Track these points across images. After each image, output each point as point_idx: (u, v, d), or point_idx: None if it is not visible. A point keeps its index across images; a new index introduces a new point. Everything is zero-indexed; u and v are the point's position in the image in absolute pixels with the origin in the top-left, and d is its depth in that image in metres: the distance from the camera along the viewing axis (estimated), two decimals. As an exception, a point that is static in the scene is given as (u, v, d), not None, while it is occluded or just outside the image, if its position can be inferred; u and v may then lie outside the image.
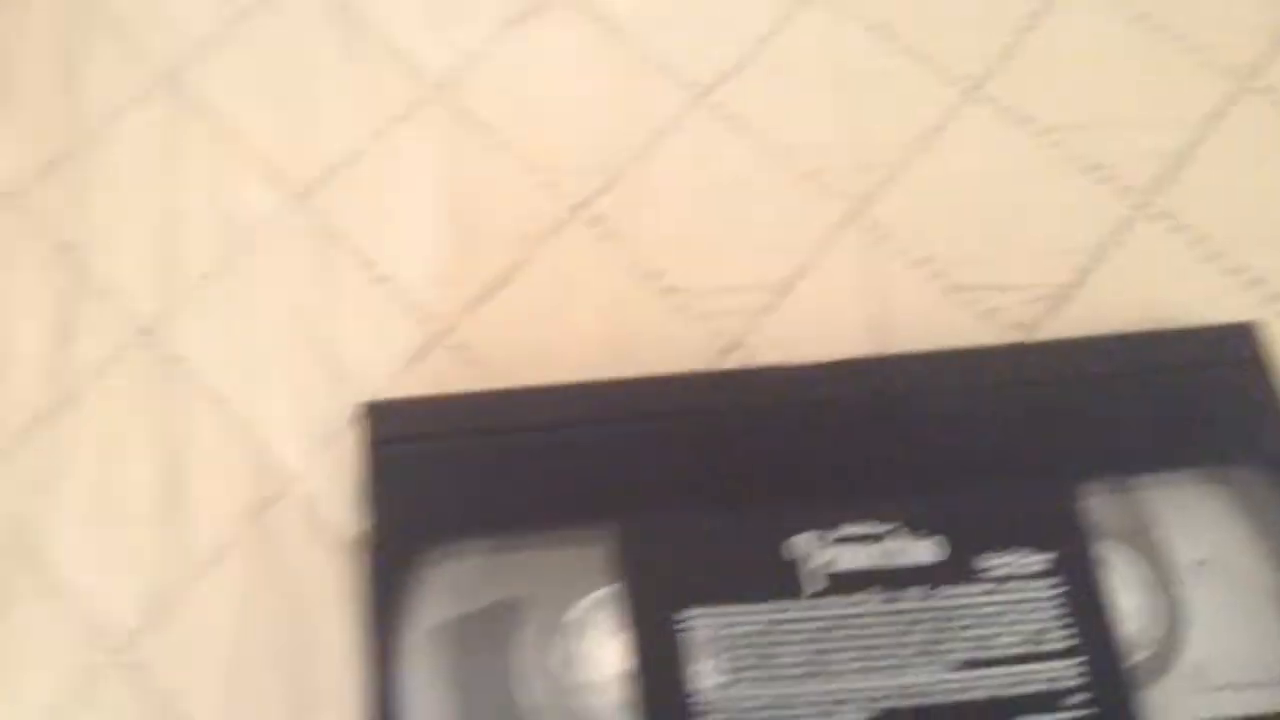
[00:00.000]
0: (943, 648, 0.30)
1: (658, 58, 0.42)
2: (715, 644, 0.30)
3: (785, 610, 0.30)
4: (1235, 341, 0.34)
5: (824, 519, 0.31)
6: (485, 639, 0.31)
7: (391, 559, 0.31)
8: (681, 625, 0.30)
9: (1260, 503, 0.32)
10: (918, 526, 0.31)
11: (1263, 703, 0.30)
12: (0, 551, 0.36)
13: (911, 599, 0.31)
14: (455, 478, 0.32)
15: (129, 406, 0.38)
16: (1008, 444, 0.32)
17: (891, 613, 0.30)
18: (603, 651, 0.31)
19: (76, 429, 0.38)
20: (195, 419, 0.37)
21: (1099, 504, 0.32)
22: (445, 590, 0.31)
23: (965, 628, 0.30)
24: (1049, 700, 0.30)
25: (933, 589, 0.31)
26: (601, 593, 0.31)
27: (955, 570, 0.31)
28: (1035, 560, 0.31)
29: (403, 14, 0.43)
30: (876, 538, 0.31)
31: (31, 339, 0.39)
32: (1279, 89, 0.41)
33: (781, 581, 0.31)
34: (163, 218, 0.40)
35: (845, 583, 0.31)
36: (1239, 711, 0.30)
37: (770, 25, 0.42)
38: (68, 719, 0.34)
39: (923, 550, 0.31)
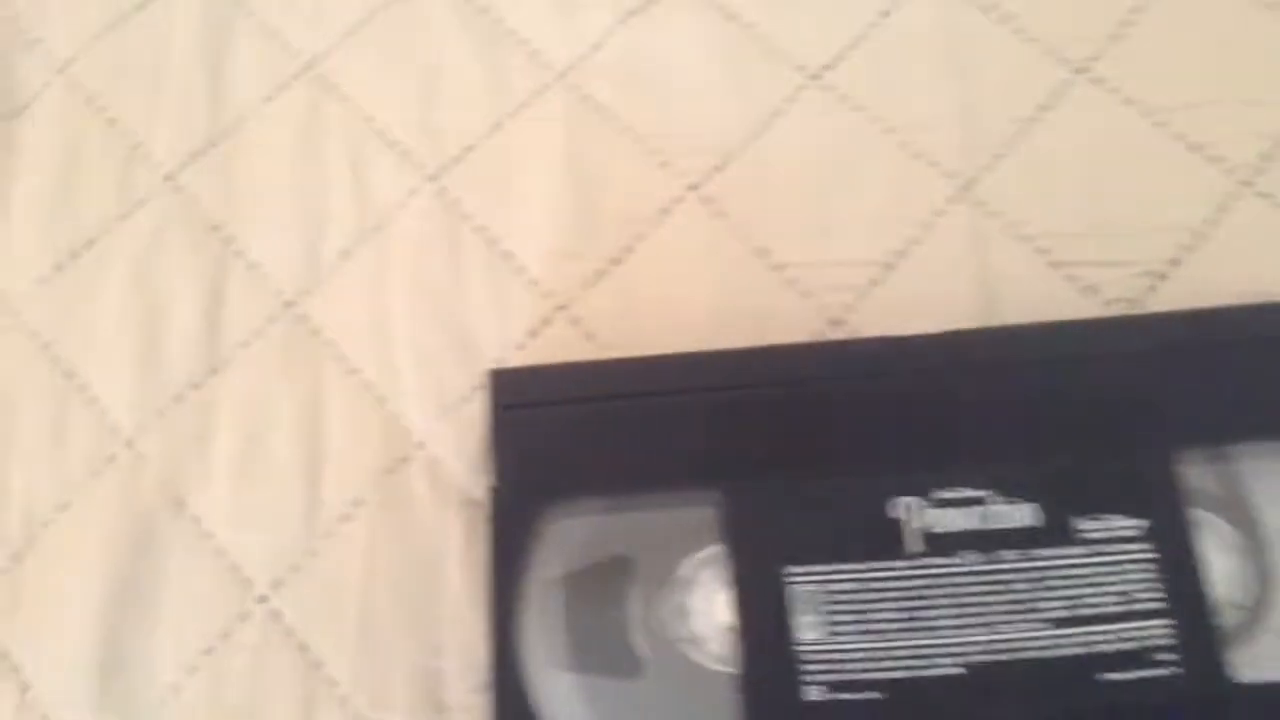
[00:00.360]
0: (1036, 606, 0.32)
1: (771, 41, 0.43)
2: (816, 599, 0.32)
3: (883, 569, 0.32)
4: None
5: (924, 483, 0.33)
6: (600, 592, 0.33)
7: (515, 515, 0.33)
8: (784, 581, 0.32)
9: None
10: (1015, 491, 0.33)
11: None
12: (155, 506, 0.39)
13: (1007, 560, 0.32)
14: (573, 441, 0.34)
15: (272, 374, 0.40)
16: (1105, 413, 0.33)
17: (987, 572, 0.32)
18: (710, 606, 0.33)
19: (224, 395, 0.41)
20: (331, 386, 0.40)
21: (1193, 471, 0.33)
22: (563, 545, 0.33)
23: (1059, 587, 0.32)
24: (1139, 658, 0.31)
25: (1028, 551, 0.32)
26: (710, 551, 0.33)
27: (1051, 533, 0.32)
28: (1129, 525, 0.32)
29: (528, 4, 0.45)
30: (976, 501, 0.33)
31: (185, 312, 0.42)
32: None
33: (881, 542, 0.32)
34: (304, 200, 0.43)
35: (943, 544, 0.32)
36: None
37: (882, 6, 0.43)
38: (219, 658, 0.37)
39: (1019, 514, 0.32)
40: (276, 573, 0.38)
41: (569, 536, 0.34)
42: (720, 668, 0.32)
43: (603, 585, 0.33)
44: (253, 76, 0.46)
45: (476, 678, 0.34)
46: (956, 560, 0.32)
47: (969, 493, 0.33)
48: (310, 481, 0.39)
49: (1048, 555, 0.32)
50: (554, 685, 0.32)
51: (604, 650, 0.33)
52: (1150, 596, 0.31)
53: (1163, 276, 0.38)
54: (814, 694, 0.31)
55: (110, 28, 0.47)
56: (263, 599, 0.38)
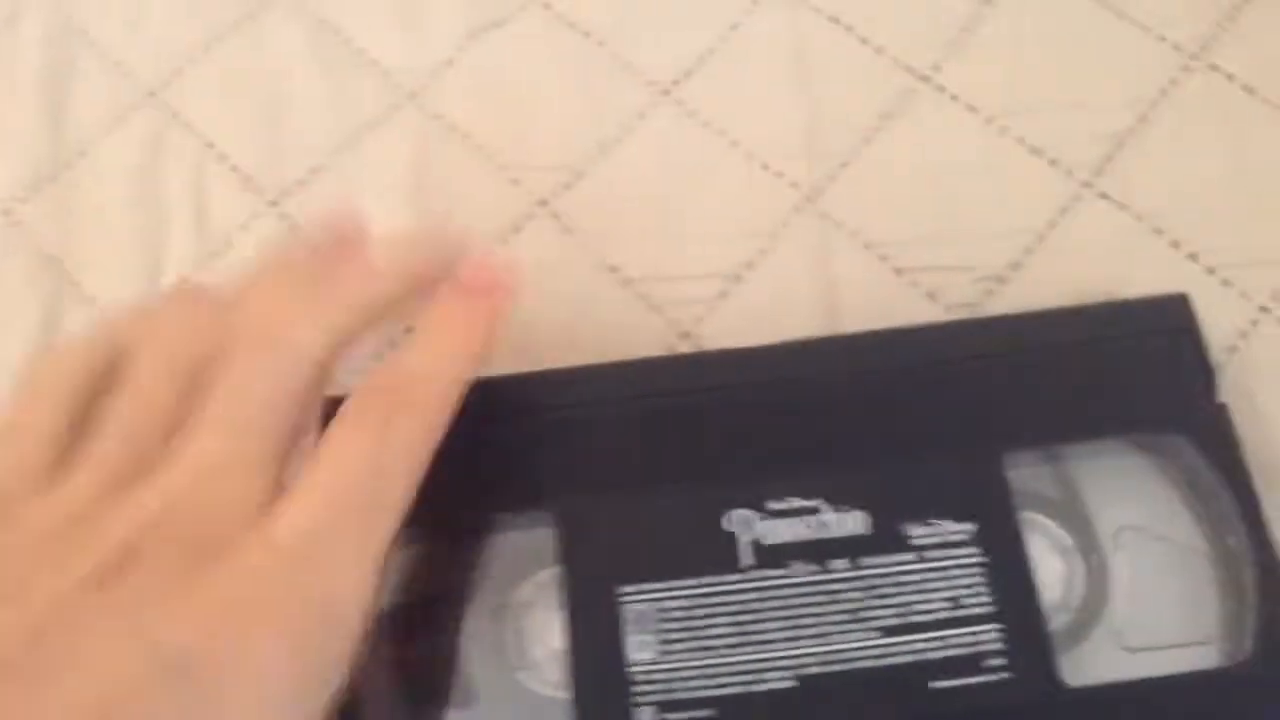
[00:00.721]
0: (867, 615, 0.32)
1: (622, 56, 0.43)
2: (649, 618, 0.32)
3: (716, 583, 0.32)
4: (1168, 312, 0.35)
5: (758, 495, 0.33)
6: (437, 621, 0.33)
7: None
8: (617, 601, 0.32)
9: (1186, 471, 0.33)
10: (845, 499, 0.33)
11: (1180, 663, 0.31)
12: None
13: (838, 569, 0.32)
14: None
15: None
16: (935, 417, 0.34)
17: (818, 583, 0.32)
18: (545, 631, 0.33)
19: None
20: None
21: (1024, 474, 0.33)
22: (393, 575, 0.33)
23: (889, 595, 0.32)
24: (970, 664, 0.31)
25: (858, 559, 0.32)
26: (546, 573, 0.33)
27: (880, 541, 0.32)
28: (958, 529, 0.32)
29: (376, 23, 0.45)
30: (808, 511, 0.33)
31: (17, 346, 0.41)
32: (1224, 67, 0.41)
33: (715, 556, 0.32)
34: (144, 230, 0.43)
35: (775, 555, 0.32)
36: (1157, 672, 0.31)
37: (731, 19, 0.44)
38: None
39: (850, 522, 0.33)
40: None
41: (399, 566, 0.33)
42: (555, 694, 0.32)
43: (441, 614, 0.33)
44: (94, 107, 0.45)
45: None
46: (788, 572, 0.32)
47: (800, 503, 0.33)
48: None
49: (877, 563, 0.32)
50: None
51: (436, 681, 0.32)
52: (979, 601, 0.32)
53: (1002, 280, 0.38)
54: (645, 716, 0.31)
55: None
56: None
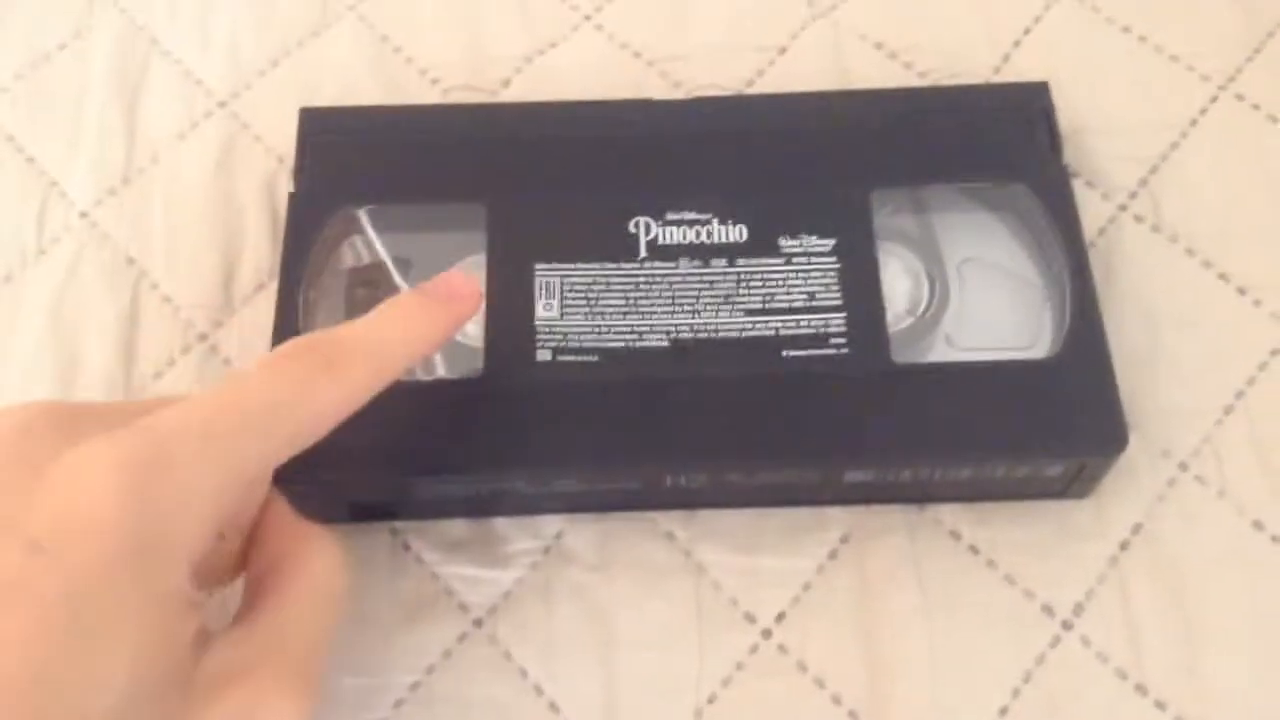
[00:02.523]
0: (735, 300, 0.38)
1: None
2: (555, 288, 0.38)
3: (615, 269, 0.39)
4: (1029, 94, 0.41)
5: (659, 207, 0.39)
6: (381, 284, 0.40)
7: (308, 214, 0.40)
8: (533, 274, 0.39)
9: (1023, 214, 0.40)
10: (731, 215, 0.39)
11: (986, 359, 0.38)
12: None
13: (717, 266, 0.39)
14: (364, 163, 0.41)
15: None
16: (822, 159, 0.40)
17: (698, 274, 0.39)
18: (472, 297, 0.39)
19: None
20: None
21: (892, 216, 0.40)
22: (351, 244, 0.40)
23: (756, 287, 0.38)
24: (817, 340, 0.37)
25: (735, 259, 0.39)
26: (476, 257, 0.40)
27: (756, 247, 0.39)
28: (821, 243, 0.39)
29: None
30: (699, 223, 0.39)
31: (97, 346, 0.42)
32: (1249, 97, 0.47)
33: (617, 249, 0.39)
34: (218, 233, 0.45)
35: (667, 252, 0.39)
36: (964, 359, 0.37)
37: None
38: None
39: (733, 232, 0.39)
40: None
41: (357, 237, 0.40)
42: (474, 343, 0.38)
43: (385, 279, 0.40)
44: (166, 115, 0.47)
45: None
46: (675, 265, 0.38)
47: (694, 215, 0.39)
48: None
49: (751, 263, 0.38)
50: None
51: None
52: (830, 296, 0.38)
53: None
54: (543, 355, 0.37)
55: (32, 67, 0.48)
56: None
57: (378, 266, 0.40)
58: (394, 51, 0.47)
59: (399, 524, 0.38)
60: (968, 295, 0.39)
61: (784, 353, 0.37)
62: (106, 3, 0.49)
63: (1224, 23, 0.46)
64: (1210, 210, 0.43)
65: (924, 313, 0.39)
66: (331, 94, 0.46)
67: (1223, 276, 0.41)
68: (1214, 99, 0.44)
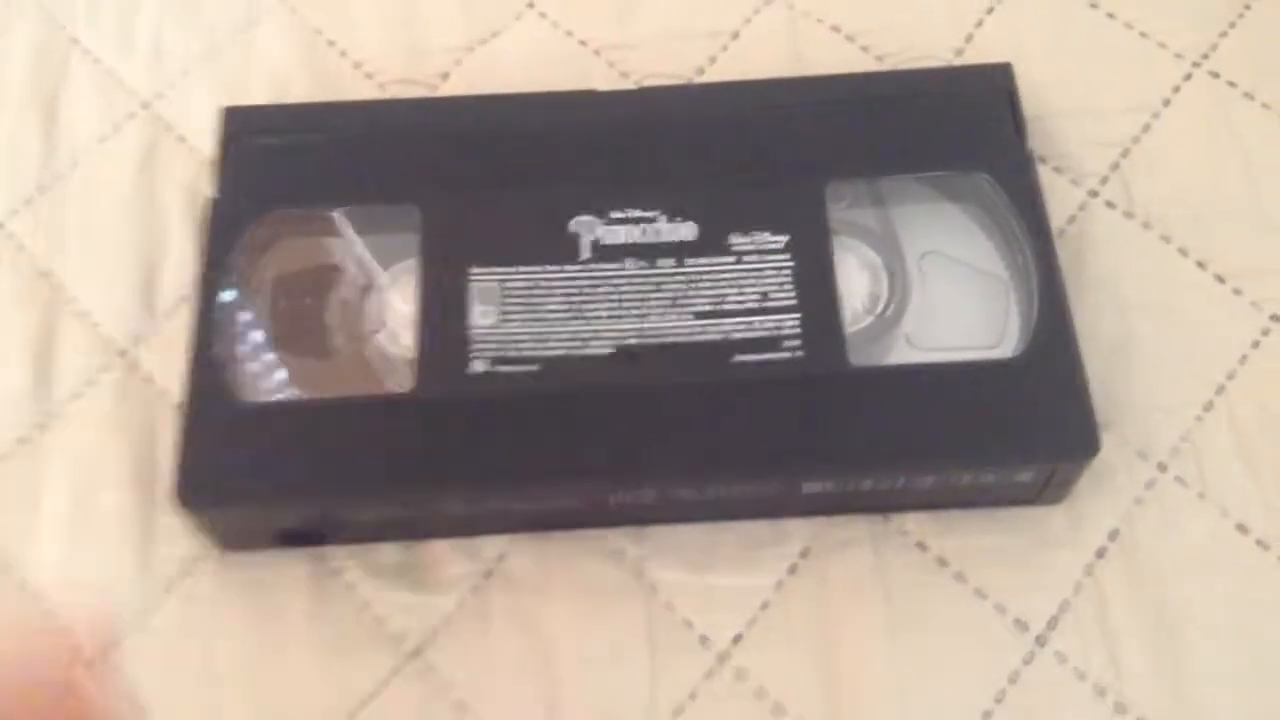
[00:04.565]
0: (683, 302, 0.36)
1: None
2: (492, 293, 0.36)
3: (556, 271, 0.36)
4: (990, 77, 0.39)
5: (602, 204, 0.37)
6: (307, 292, 0.38)
7: (228, 219, 0.37)
8: (467, 279, 0.36)
9: (987, 205, 0.37)
10: (679, 211, 0.37)
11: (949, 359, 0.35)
12: None
13: (664, 266, 0.36)
14: (289, 163, 0.38)
15: (105, 426, 0.39)
16: (774, 151, 0.38)
17: (645, 275, 0.36)
18: (402, 305, 0.37)
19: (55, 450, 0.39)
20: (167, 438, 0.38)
21: (849, 209, 0.37)
22: (275, 251, 0.38)
23: (705, 287, 0.36)
24: (769, 344, 0.35)
25: (684, 259, 0.36)
26: (408, 263, 0.37)
27: (705, 245, 0.37)
28: (774, 240, 0.37)
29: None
30: (645, 220, 0.37)
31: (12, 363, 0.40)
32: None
33: (558, 251, 0.37)
34: (138, 244, 0.42)
35: (611, 253, 0.37)
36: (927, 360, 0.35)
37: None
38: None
39: (681, 231, 0.37)
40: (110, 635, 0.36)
41: (282, 244, 0.38)
42: (404, 353, 0.36)
43: (310, 287, 0.37)
44: (87, 118, 0.44)
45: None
46: (620, 266, 0.36)
47: (639, 213, 0.37)
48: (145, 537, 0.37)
49: (700, 263, 0.36)
50: (251, 362, 0.36)
51: (301, 337, 0.37)
52: (783, 296, 0.36)
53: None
54: (478, 366, 0.35)
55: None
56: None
57: (307, 275, 0.37)
58: (327, 45, 0.45)
59: (327, 549, 0.36)
60: (929, 292, 0.37)
61: (736, 357, 0.35)
62: (25, 1, 0.46)
63: (1195, -2, 0.43)
64: (1186, 194, 0.41)
65: (883, 311, 0.37)
66: (261, 93, 0.44)
67: (1200, 264, 0.39)
68: (1187, 77, 0.42)
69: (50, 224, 0.42)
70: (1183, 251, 0.39)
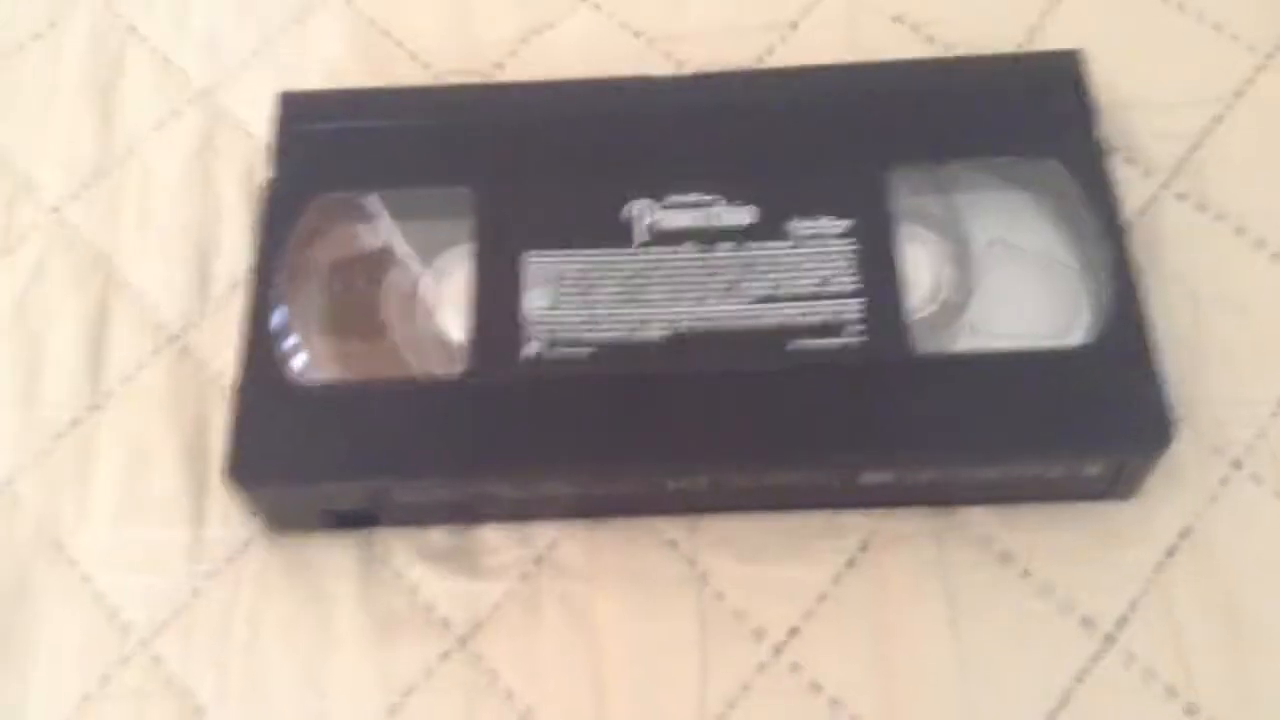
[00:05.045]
0: (741, 287, 0.35)
1: None
2: (547, 276, 0.35)
3: (612, 254, 0.36)
4: (1060, 63, 0.38)
5: (660, 188, 0.36)
6: (362, 274, 0.37)
7: (285, 201, 0.37)
8: (522, 262, 0.36)
9: (1055, 192, 0.36)
10: (739, 195, 0.36)
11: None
12: (32, 550, 0.37)
13: (723, 250, 0.36)
14: (345, 147, 0.38)
15: (155, 408, 0.39)
16: (830, 134, 0.37)
17: (703, 260, 0.35)
18: (457, 289, 0.37)
19: (106, 431, 0.39)
20: (217, 419, 0.38)
21: (907, 185, 0.36)
22: (329, 235, 0.37)
23: (764, 272, 0.35)
24: (830, 329, 0.34)
25: (743, 243, 0.36)
26: (464, 247, 0.37)
27: (765, 230, 0.36)
28: (836, 224, 0.36)
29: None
30: (704, 204, 0.36)
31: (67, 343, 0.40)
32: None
33: (613, 234, 0.36)
34: (193, 230, 0.42)
35: (668, 237, 0.36)
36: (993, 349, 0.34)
37: None
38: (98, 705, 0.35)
39: (741, 215, 0.36)
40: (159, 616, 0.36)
41: (338, 226, 0.37)
42: (457, 337, 0.35)
43: (364, 271, 0.37)
44: (143, 106, 0.45)
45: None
46: (678, 249, 0.35)
47: (697, 197, 0.36)
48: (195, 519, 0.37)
49: (759, 247, 0.35)
50: (304, 343, 0.35)
51: (355, 320, 0.36)
52: (845, 281, 0.35)
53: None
54: (532, 349, 0.34)
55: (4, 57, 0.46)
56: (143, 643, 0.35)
57: (361, 259, 0.37)
58: (382, 35, 0.45)
59: (376, 532, 0.35)
60: (996, 279, 0.36)
61: (795, 343, 0.34)
62: (81, -9, 0.46)
63: (1270, -12, 0.42)
64: (1259, 186, 0.39)
65: (948, 299, 0.36)
66: (317, 81, 0.44)
67: (1275, 256, 0.38)
68: (1261, 69, 0.41)
69: (107, 209, 0.42)
70: (1258, 244, 0.38)
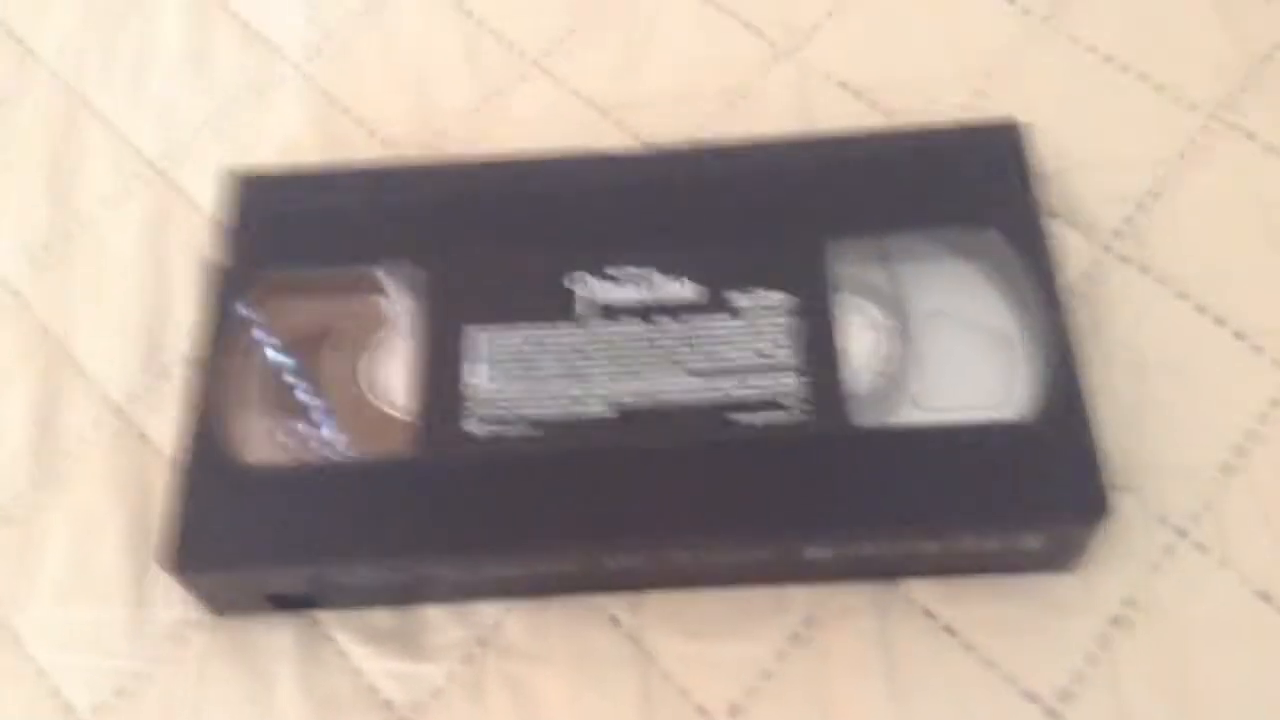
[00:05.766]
0: (682, 360, 0.35)
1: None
2: (488, 352, 0.36)
3: (553, 329, 0.36)
4: (997, 133, 0.38)
5: (600, 262, 0.37)
6: (306, 355, 0.37)
7: (226, 282, 0.37)
8: (463, 337, 0.36)
9: (996, 262, 0.36)
10: (679, 269, 0.36)
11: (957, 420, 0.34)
12: None
13: (663, 324, 0.36)
14: (292, 228, 0.38)
15: (101, 485, 0.39)
16: (769, 209, 0.37)
17: (643, 334, 0.36)
18: (399, 367, 0.37)
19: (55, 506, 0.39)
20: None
21: (855, 266, 0.37)
22: (276, 312, 0.37)
23: (704, 345, 0.35)
24: (768, 404, 0.34)
25: (683, 317, 0.36)
26: (403, 323, 0.37)
27: (706, 303, 0.36)
28: (776, 298, 0.36)
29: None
30: (644, 279, 0.36)
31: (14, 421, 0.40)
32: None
33: (554, 308, 0.36)
34: (144, 304, 0.43)
35: (609, 311, 0.36)
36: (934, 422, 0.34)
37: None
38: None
39: (682, 289, 0.36)
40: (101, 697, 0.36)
41: (278, 303, 0.37)
42: (401, 415, 0.35)
43: (309, 348, 0.37)
44: (97, 177, 0.45)
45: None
46: (618, 324, 0.35)
47: (637, 270, 0.36)
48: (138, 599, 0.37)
49: (698, 321, 0.35)
50: (246, 424, 0.35)
51: (298, 398, 0.36)
52: (785, 355, 0.35)
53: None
54: (473, 426, 0.34)
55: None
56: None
57: (304, 337, 0.37)
58: (340, 112, 0.45)
59: (319, 612, 0.35)
60: (936, 351, 0.36)
61: (736, 417, 0.34)
62: (37, 64, 0.46)
63: (1213, 49, 0.43)
64: (1203, 249, 0.39)
65: (888, 371, 0.36)
66: (270, 154, 0.44)
67: (1219, 320, 0.38)
68: (1204, 128, 0.41)
69: (56, 283, 0.43)
70: (1200, 308, 0.38)
